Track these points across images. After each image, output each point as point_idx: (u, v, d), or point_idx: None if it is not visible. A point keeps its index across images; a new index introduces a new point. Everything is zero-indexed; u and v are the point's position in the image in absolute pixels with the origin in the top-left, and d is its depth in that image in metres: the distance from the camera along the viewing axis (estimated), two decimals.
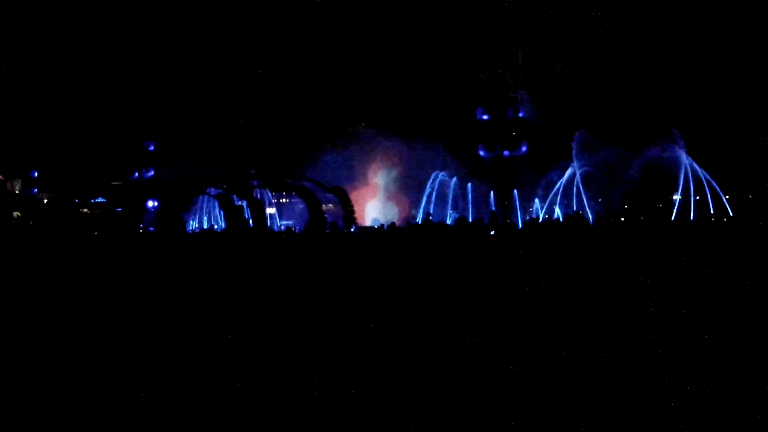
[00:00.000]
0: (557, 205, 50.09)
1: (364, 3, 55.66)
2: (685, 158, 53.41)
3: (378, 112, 54.38)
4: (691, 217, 52.50)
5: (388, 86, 55.24)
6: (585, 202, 49.51)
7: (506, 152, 51.59)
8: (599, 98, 54.91)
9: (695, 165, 54.10)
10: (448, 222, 46.98)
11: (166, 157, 65.29)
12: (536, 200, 51.25)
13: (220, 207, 50.07)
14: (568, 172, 50.70)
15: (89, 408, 6.54)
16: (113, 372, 7.67)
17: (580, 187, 49.94)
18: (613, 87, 55.84)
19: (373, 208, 53.75)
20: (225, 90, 59.97)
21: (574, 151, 49.27)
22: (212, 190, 51.16)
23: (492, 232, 39.87)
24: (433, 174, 52.07)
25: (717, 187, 54.19)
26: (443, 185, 51.37)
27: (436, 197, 51.25)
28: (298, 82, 57.01)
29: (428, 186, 52.56)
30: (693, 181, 54.28)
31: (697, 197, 54.50)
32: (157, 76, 61.32)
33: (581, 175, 49.11)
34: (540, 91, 53.60)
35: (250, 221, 46.58)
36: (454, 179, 50.89)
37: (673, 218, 52.09)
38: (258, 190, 55.38)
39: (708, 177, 53.86)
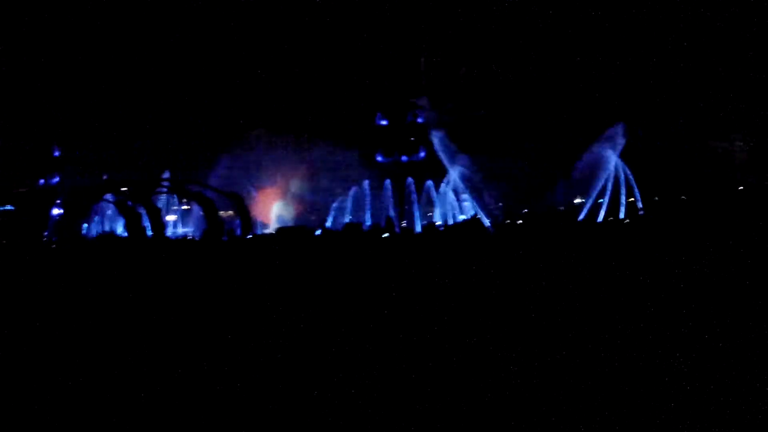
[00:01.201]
0: (445, 210, 51.00)
1: (267, 5, 55.56)
2: (614, 157, 54.67)
3: (279, 117, 54.51)
4: (599, 219, 53.41)
5: (290, 90, 55.28)
6: (476, 206, 50.33)
7: (404, 157, 52.22)
8: (507, 101, 55.87)
9: (621, 165, 55.35)
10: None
11: (75, 161, 64.07)
12: (436, 204, 51.96)
13: (120, 214, 49.59)
14: (448, 176, 51.49)
15: None
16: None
17: (458, 191, 50.80)
18: (523, 90, 56.72)
19: (278, 209, 54.00)
20: (131, 92, 59.14)
21: (441, 156, 50.25)
22: (110, 197, 50.63)
23: (385, 235, 40.54)
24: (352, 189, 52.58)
25: (636, 189, 54.97)
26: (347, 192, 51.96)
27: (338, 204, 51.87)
28: (200, 86, 56.58)
29: (337, 201, 52.90)
30: (613, 183, 55.26)
31: (600, 200, 55.43)
32: (62, 79, 60.17)
33: (461, 178, 49.85)
34: (442, 96, 54.65)
35: (148, 229, 46.28)
36: (353, 189, 51.48)
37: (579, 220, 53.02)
38: (166, 196, 55.05)
39: (630, 177, 54.73)
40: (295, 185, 52.91)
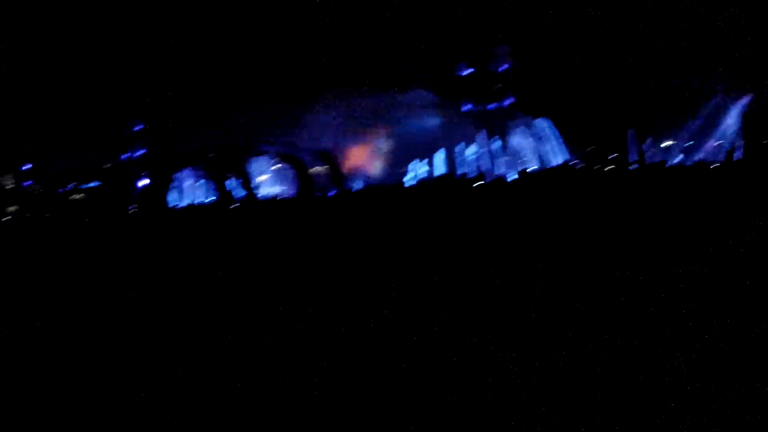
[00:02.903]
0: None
1: None
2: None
3: (360, 69, 54.52)
4: None
5: (368, 39, 55.26)
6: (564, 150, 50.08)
7: (490, 106, 51.69)
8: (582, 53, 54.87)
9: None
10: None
11: (155, 134, 65.54)
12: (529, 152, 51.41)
13: (210, 181, 50.53)
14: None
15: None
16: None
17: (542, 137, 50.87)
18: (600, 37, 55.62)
19: (369, 165, 54.52)
20: (208, 61, 60.11)
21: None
22: (199, 165, 51.62)
23: (477, 184, 40.49)
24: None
25: None
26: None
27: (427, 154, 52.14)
28: (285, 41, 57.03)
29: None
30: None
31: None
32: (137, 54, 61.61)
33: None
34: (520, 44, 54.01)
35: (240, 192, 47.17)
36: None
37: None
38: (257, 158, 55.82)
39: None
40: (381, 141, 53.07)
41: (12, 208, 67.72)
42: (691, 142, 54.02)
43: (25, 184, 70.28)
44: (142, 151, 62.06)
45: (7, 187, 71.86)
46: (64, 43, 62.43)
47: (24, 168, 70.90)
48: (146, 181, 55.67)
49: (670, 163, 51.89)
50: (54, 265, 20.99)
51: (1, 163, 71.55)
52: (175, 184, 54.02)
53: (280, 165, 52.34)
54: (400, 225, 25.01)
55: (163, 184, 51.74)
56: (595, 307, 8.65)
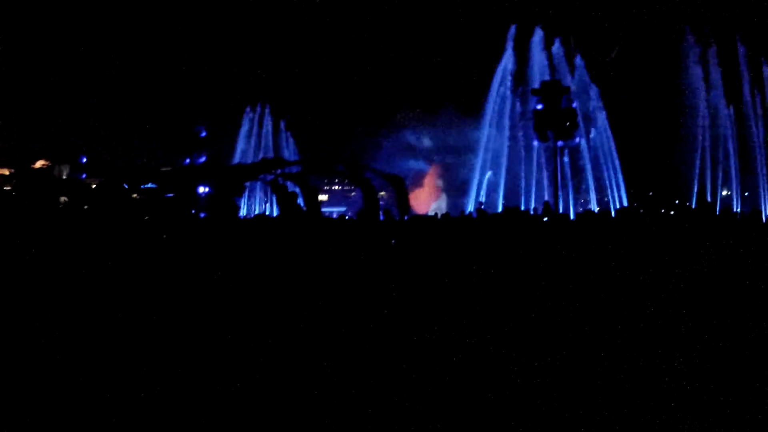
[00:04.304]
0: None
1: None
2: None
3: (426, 100, 55.26)
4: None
5: (435, 73, 55.94)
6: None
7: (560, 142, 51.74)
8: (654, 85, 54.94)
9: None
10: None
11: (217, 143, 66.65)
12: (592, 191, 51.83)
13: (272, 192, 51.08)
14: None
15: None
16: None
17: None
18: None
19: (438, 201, 54.89)
20: (278, 74, 61.06)
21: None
22: (265, 176, 52.26)
23: (545, 219, 40.39)
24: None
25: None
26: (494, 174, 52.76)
27: (488, 186, 52.59)
28: (352, 66, 57.88)
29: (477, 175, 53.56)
30: None
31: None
32: (205, 63, 62.66)
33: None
34: (592, 78, 54.37)
35: (303, 207, 47.53)
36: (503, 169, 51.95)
37: None
38: (321, 176, 56.36)
39: None
40: (447, 170, 53.75)
41: (63, 198, 68.95)
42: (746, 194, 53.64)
43: (79, 177, 71.59)
44: (203, 158, 63.17)
45: (63, 177, 73.35)
46: (140, 44, 63.72)
47: (79, 161, 72.40)
48: (206, 188, 56.38)
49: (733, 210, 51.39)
50: (100, 257, 20.52)
51: (57, 155, 73.14)
52: (242, 192, 54.63)
53: (347, 186, 52.86)
54: (462, 254, 25.28)
55: (225, 192, 52.35)
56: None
